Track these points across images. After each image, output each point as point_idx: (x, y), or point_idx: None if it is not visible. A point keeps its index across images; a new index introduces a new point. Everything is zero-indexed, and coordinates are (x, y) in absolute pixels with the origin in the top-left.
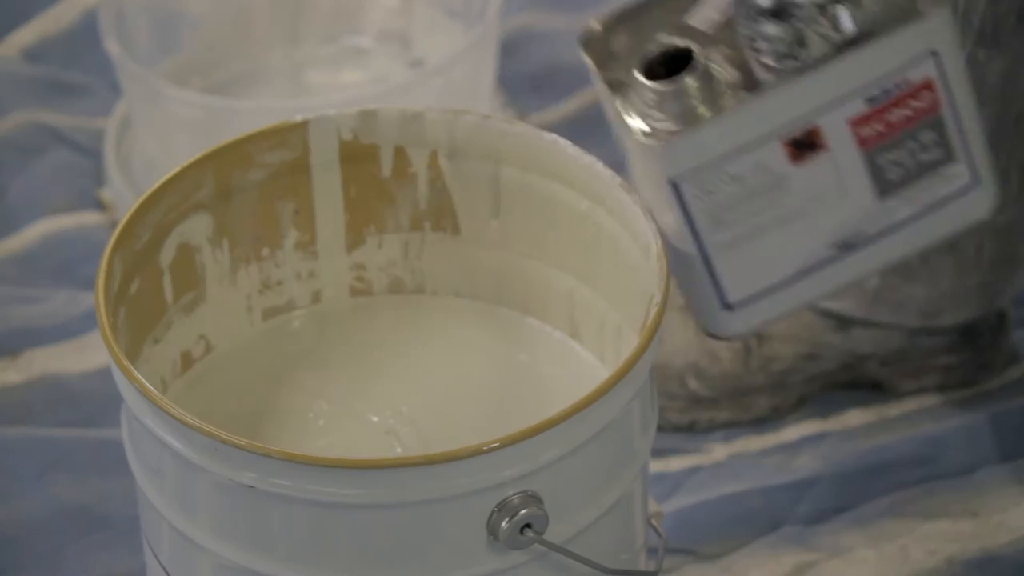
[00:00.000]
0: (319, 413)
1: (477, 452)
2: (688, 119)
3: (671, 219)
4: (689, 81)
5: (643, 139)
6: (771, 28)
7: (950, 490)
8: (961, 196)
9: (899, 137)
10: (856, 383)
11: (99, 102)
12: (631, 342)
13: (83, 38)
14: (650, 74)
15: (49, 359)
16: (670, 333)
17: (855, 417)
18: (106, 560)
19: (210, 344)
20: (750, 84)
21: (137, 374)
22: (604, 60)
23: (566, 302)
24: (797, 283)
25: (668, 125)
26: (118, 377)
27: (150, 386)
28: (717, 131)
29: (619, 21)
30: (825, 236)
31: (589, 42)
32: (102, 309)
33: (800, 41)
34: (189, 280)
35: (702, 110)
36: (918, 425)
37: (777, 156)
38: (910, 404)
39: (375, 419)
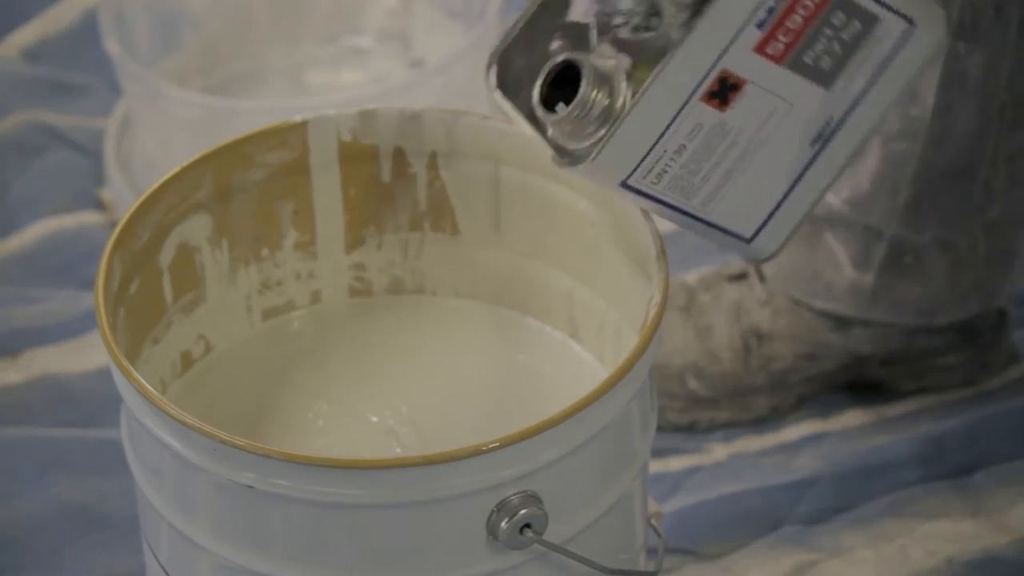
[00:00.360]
0: (319, 413)
1: (476, 452)
2: (603, 125)
3: (646, 206)
4: (585, 94)
5: (568, 166)
6: (625, 2)
7: (950, 490)
8: (906, 42)
9: (811, 34)
10: (856, 383)
11: (99, 102)
12: (631, 342)
13: (83, 38)
14: (550, 97)
15: (49, 359)
16: (670, 333)
17: (855, 417)
18: (106, 560)
19: (210, 344)
20: (645, 61)
21: (136, 374)
22: (515, 91)
23: (566, 302)
24: (799, 190)
25: (589, 141)
26: (118, 377)
27: (149, 387)
28: (630, 128)
29: (512, 46)
30: (796, 143)
31: (497, 80)
32: (102, 309)
33: (654, 11)
34: (189, 280)
35: (613, 111)
36: (918, 425)
37: (704, 112)
38: (910, 404)
39: (374, 419)
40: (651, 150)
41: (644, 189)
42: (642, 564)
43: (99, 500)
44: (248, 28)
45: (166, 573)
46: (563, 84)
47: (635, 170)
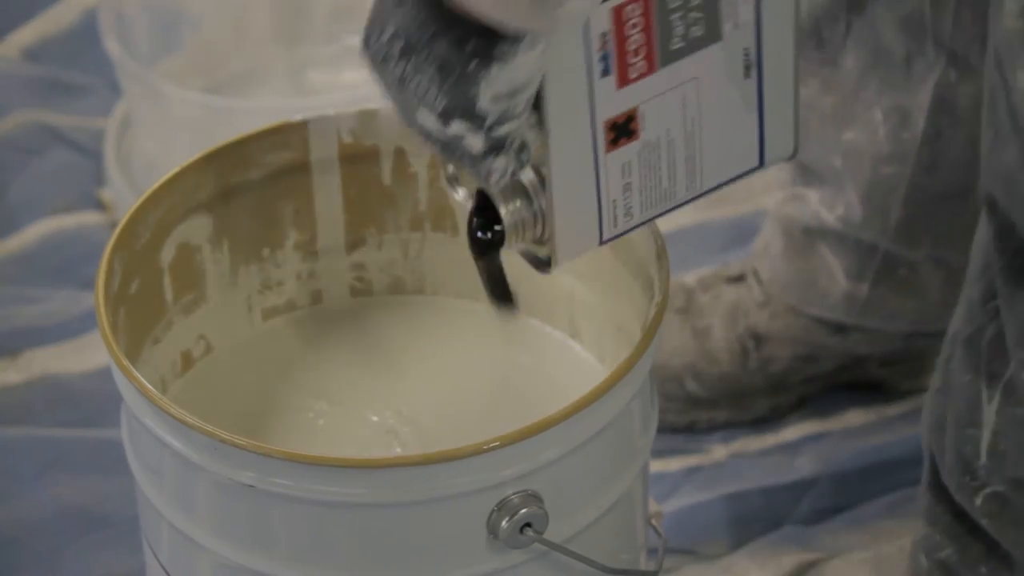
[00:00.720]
0: (319, 413)
1: (477, 451)
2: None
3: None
4: (509, 217)
5: (547, 271)
6: (497, 162)
7: None
8: None
9: (662, 29)
10: (856, 383)
11: (99, 102)
12: (631, 342)
13: (83, 38)
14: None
15: (49, 359)
16: (668, 334)
17: (855, 417)
18: (106, 560)
19: (210, 344)
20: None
21: (137, 374)
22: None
23: (566, 302)
24: (769, 105)
25: (545, 242)
26: (118, 377)
27: (150, 386)
28: (565, 217)
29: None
30: (732, 90)
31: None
32: (102, 309)
33: (522, 147)
34: (189, 280)
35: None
36: (918, 425)
37: (621, 154)
38: (910, 404)
39: (375, 419)
40: (600, 211)
41: (624, 230)
42: (643, 564)
43: (99, 500)
44: (248, 28)
45: (166, 573)
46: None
47: (601, 231)
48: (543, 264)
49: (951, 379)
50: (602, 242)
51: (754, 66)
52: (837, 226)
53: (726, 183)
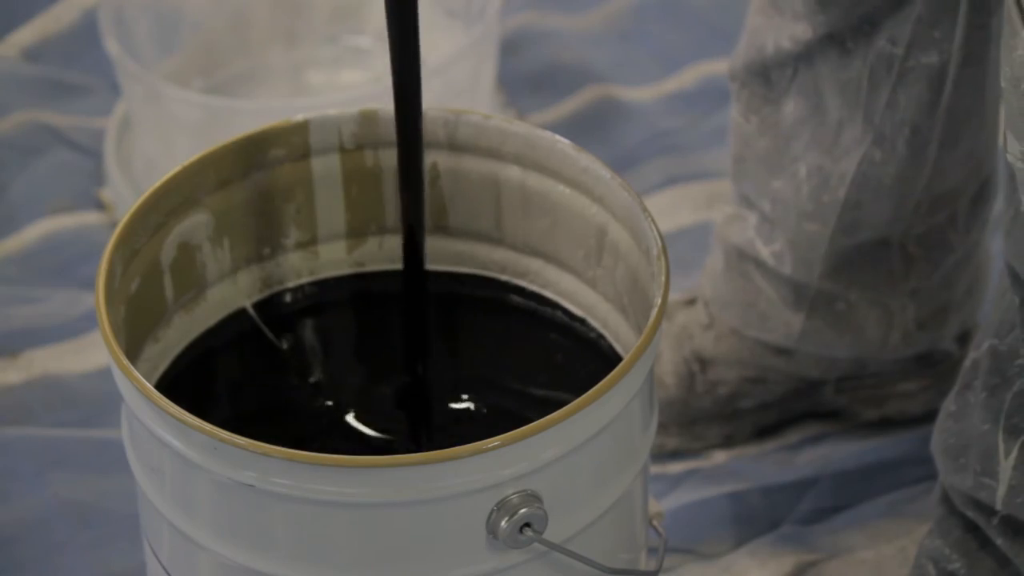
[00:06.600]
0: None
1: (477, 451)
2: None
3: None
4: None
5: None
6: None
7: None
8: None
9: None
10: (815, 412)
11: (99, 102)
12: (631, 342)
13: (83, 38)
14: None
15: (49, 359)
16: None
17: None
18: (105, 558)
19: None
20: None
21: (137, 373)
22: None
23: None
24: None
25: None
26: (118, 376)
27: (150, 385)
28: None
29: None
30: None
31: None
32: (103, 308)
33: None
34: (190, 279)
35: None
36: (918, 425)
37: None
38: None
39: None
40: None
41: None
42: (643, 563)
43: (98, 499)
44: (248, 28)
45: (167, 572)
46: None
47: None
48: None
49: (967, 411)
50: None
51: None
52: (769, 261)
53: None
